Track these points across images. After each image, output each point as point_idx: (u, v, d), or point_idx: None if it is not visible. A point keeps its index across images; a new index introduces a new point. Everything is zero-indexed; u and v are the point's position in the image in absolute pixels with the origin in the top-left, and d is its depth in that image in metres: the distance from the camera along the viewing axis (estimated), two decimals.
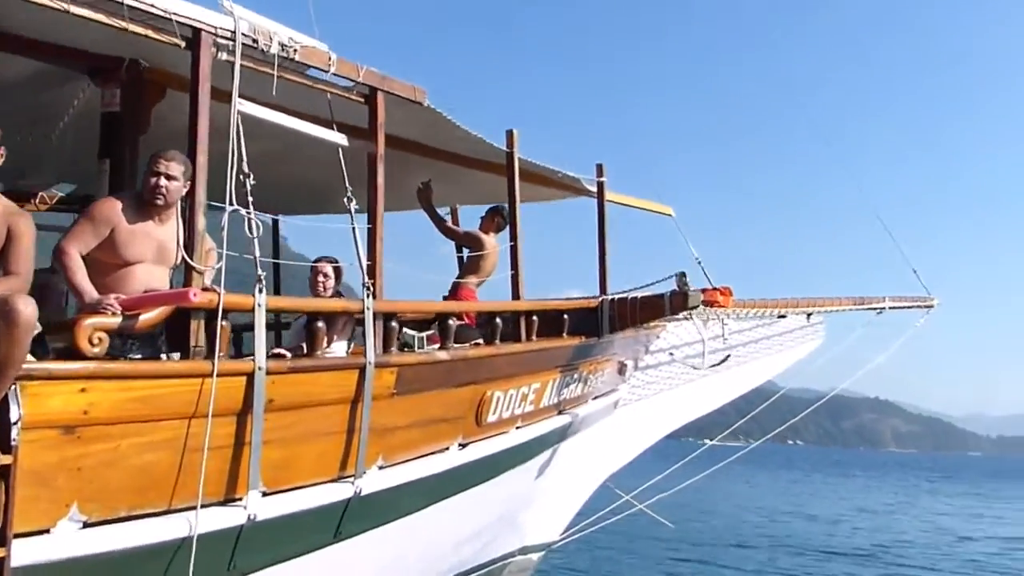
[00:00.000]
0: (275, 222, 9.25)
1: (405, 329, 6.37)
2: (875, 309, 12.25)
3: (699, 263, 10.47)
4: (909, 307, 12.74)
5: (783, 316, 11.29)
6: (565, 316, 7.24)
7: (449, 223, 7.68)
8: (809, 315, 11.65)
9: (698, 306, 7.11)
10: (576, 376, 7.50)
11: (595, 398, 8.36)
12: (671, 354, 9.45)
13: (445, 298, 7.42)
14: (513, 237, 6.85)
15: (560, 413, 7.48)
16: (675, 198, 10.67)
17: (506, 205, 7.21)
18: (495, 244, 7.44)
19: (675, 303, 7.12)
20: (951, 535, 20.46)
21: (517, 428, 6.71)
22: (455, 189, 8.61)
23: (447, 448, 5.84)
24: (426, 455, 5.60)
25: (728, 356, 7.72)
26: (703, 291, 9.36)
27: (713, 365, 7.55)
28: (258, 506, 4.29)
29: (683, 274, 7.10)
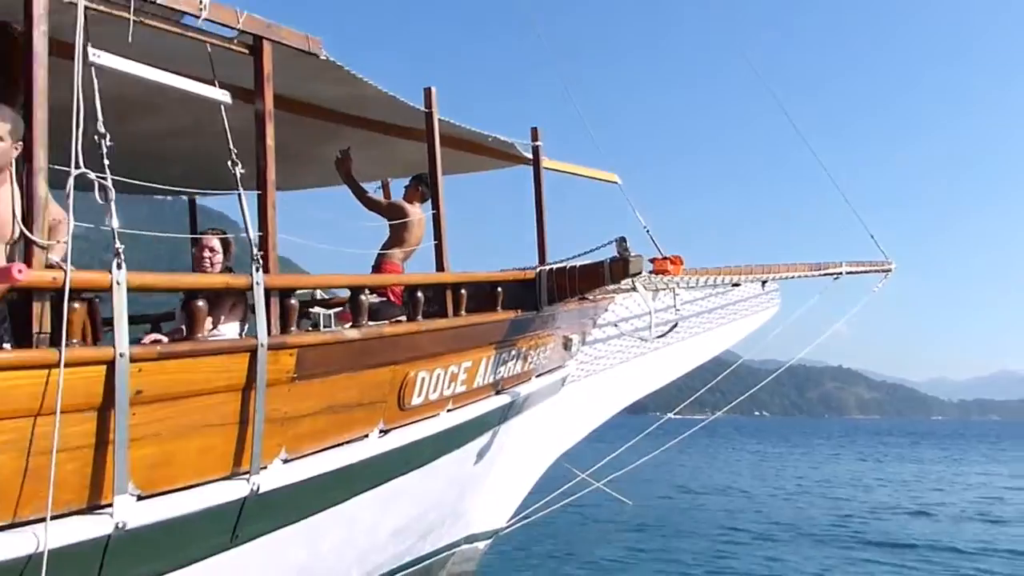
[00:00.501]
0: (192, 201, 8.65)
1: (318, 308, 5.85)
2: (832, 275, 11.94)
3: (647, 232, 10.07)
4: (867, 271, 12.47)
5: (737, 284, 10.93)
6: (499, 289, 6.75)
7: (371, 194, 7.13)
8: (764, 283, 11.31)
9: (640, 272, 6.65)
10: (514, 353, 7.02)
11: (539, 375, 7.90)
12: (617, 326, 9.01)
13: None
14: (435, 205, 6.32)
15: (499, 393, 7.00)
16: (620, 166, 10.23)
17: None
18: (420, 214, 6.91)
19: (615, 271, 6.65)
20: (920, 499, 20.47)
21: (448, 411, 6.21)
22: (383, 161, 8.07)
23: (366, 436, 5.33)
24: (340, 444, 5.08)
25: (675, 325, 7.28)
26: (652, 260, 8.96)
27: (661, 335, 7.09)
28: (129, 512, 3.74)
29: (623, 239, 6.63)
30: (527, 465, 8.42)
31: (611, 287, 7.17)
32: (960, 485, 25.49)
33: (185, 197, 8.82)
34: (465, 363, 6.27)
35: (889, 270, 12.72)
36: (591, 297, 8.53)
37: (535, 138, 7.98)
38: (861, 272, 12.40)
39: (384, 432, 5.47)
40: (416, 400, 5.75)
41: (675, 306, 9.94)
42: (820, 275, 11.79)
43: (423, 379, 5.76)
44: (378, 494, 5.59)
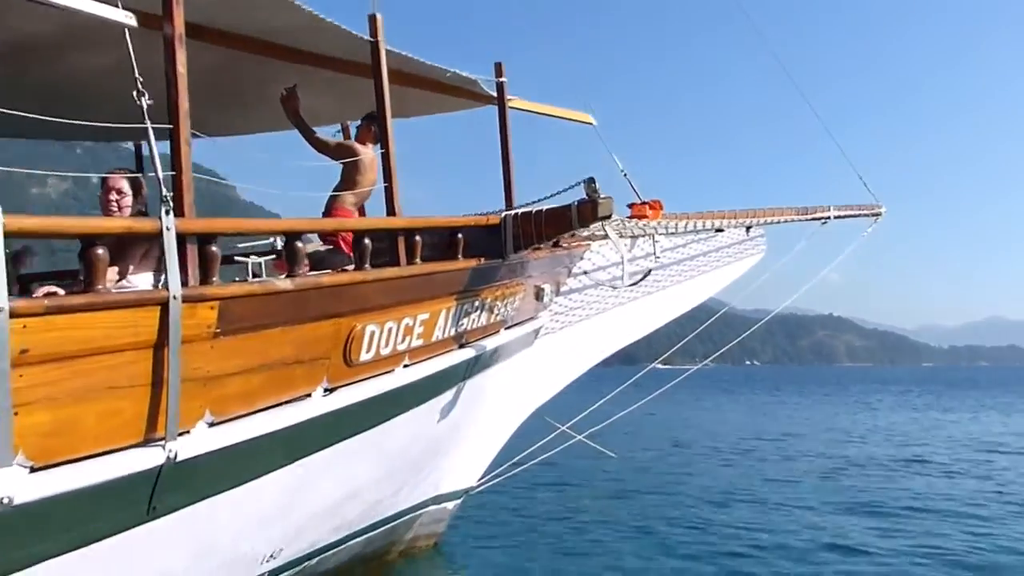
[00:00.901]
0: (137, 147, 8.11)
1: (250, 256, 5.38)
2: (820, 219, 11.52)
3: (625, 175, 9.60)
4: (856, 215, 12.06)
5: (720, 230, 10.49)
6: (459, 236, 6.28)
7: (319, 136, 6.59)
8: (748, 228, 10.87)
9: (610, 215, 6.18)
10: (478, 304, 6.58)
11: (509, 328, 7.47)
12: (588, 275, 8.56)
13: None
14: (384, 143, 5.80)
15: (463, 347, 6.58)
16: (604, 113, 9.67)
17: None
18: (372, 155, 6.39)
19: (583, 214, 6.18)
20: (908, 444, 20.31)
21: (405, 366, 5.79)
22: (341, 102, 7.53)
23: (308, 395, 4.90)
24: (277, 405, 4.66)
25: (648, 272, 6.85)
26: (631, 206, 8.49)
27: (633, 284, 6.67)
28: (17, 486, 3.32)
29: (592, 180, 6.14)
30: (498, 422, 8.04)
31: (582, 232, 6.70)
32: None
33: (131, 144, 8.31)
34: (422, 315, 5.83)
35: (879, 214, 12.30)
36: (565, 245, 8.10)
37: (499, 74, 7.45)
38: (850, 216, 11.98)
39: (329, 391, 5.05)
40: (365, 356, 5.31)
41: (655, 253, 9.50)
42: (808, 219, 11.36)
43: (372, 333, 5.32)
44: (326, 457, 5.19)
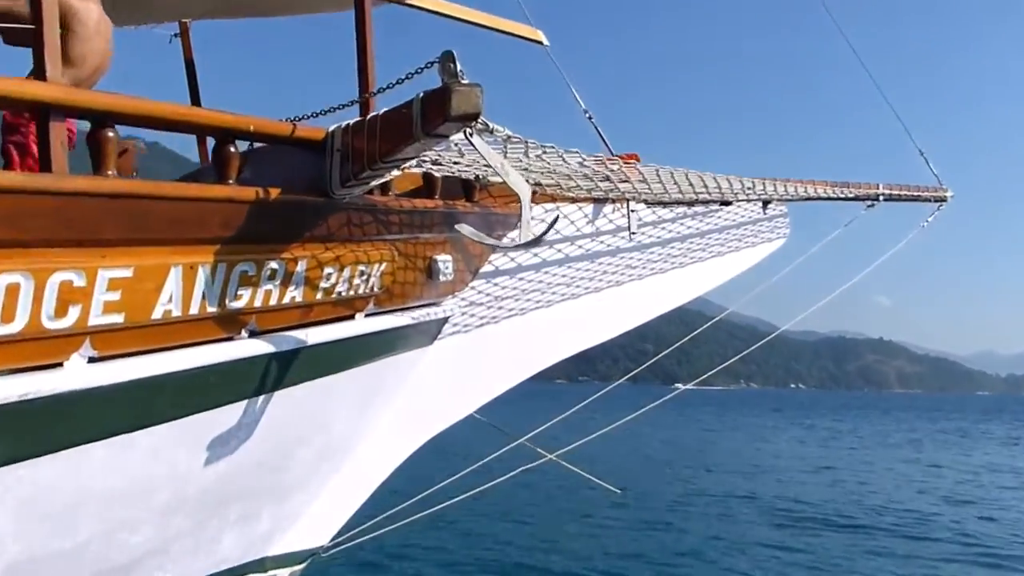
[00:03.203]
0: None
1: None
2: (865, 199, 8.78)
3: (589, 117, 7.01)
4: (913, 198, 9.24)
5: (727, 203, 7.78)
6: (231, 149, 3.73)
7: None
8: (766, 204, 8.13)
9: (477, 115, 3.53)
10: (276, 267, 4.00)
11: (374, 314, 4.89)
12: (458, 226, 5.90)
13: None
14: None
15: (256, 335, 4.01)
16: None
17: None
18: (102, 19, 3.88)
19: (430, 111, 3.54)
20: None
21: (88, 358, 3.24)
22: None
23: None
24: None
25: (552, 225, 4.17)
26: (596, 158, 5.89)
27: (529, 244, 4.02)
28: None
29: (449, 55, 3.52)
30: (342, 459, 5.34)
31: (431, 145, 4.01)
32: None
33: None
34: (123, 271, 3.26)
35: (944, 199, 9.44)
36: (491, 200, 5.58)
37: None
38: (906, 198, 9.17)
39: None
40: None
41: (629, 228, 6.86)
42: (850, 199, 8.61)
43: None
44: None
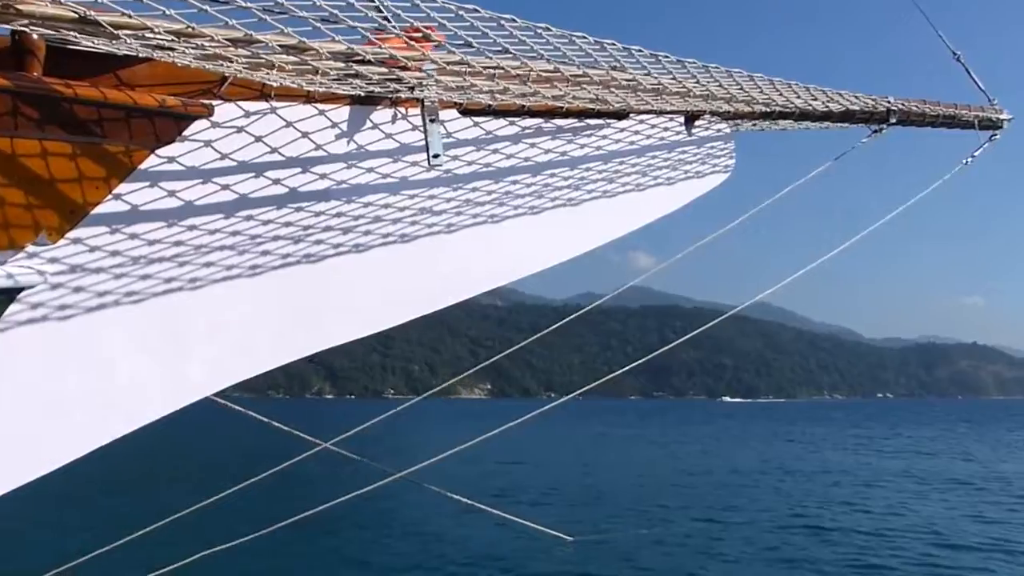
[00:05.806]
0: None
1: None
2: (866, 122, 5.79)
3: None
4: (948, 120, 6.10)
5: (621, 116, 4.86)
6: None
7: None
8: (690, 119, 5.17)
9: None
10: None
11: None
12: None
13: None
14: None
15: None
16: None
17: None
18: None
19: None
20: None
21: None
22: None
23: None
24: None
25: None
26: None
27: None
28: None
29: None
30: None
31: None
32: None
33: None
34: None
35: (996, 124, 6.25)
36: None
37: None
38: (934, 120, 6.05)
39: None
40: None
41: (428, 151, 4.01)
42: (835, 116, 5.63)
43: None
44: None
